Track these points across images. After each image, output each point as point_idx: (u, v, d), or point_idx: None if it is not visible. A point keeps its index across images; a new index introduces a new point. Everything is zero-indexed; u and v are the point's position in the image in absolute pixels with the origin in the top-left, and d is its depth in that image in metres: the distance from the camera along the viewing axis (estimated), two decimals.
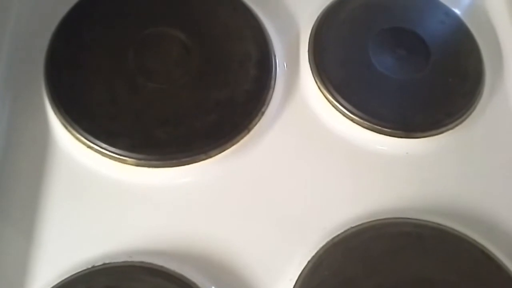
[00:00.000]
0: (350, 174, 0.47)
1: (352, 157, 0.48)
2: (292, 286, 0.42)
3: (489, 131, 0.51)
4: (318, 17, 0.54)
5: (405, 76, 0.51)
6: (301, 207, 0.46)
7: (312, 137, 0.49)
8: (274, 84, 0.50)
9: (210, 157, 0.46)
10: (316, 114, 0.50)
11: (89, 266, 0.40)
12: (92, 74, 0.48)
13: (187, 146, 0.45)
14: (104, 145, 0.44)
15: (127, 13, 0.51)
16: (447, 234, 0.44)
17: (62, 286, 0.39)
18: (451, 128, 0.49)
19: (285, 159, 0.47)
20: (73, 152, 0.45)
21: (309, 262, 0.42)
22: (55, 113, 0.46)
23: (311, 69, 0.51)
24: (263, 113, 0.48)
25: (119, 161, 0.44)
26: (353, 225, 0.44)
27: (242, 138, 0.47)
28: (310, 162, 0.48)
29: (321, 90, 0.50)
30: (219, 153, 0.46)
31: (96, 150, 0.44)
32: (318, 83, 0.50)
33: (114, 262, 0.41)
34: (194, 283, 0.40)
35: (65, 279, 0.40)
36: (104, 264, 0.41)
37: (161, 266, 0.41)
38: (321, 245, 0.43)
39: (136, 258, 0.41)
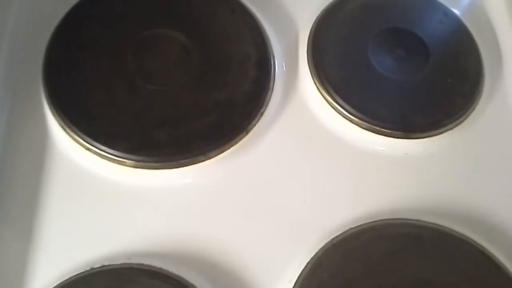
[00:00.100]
0: (349, 175, 0.47)
1: (351, 158, 0.48)
2: (292, 287, 0.41)
3: (488, 131, 0.50)
4: (317, 17, 0.54)
5: (404, 77, 0.51)
6: (300, 208, 0.45)
7: (311, 138, 0.49)
8: (273, 85, 0.50)
9: (209, 158, 0.46)
10: (315, 115, 0.50)
11: (88, 268, 0.40)
12: (91, 75, 0.48)
13: (186, 147, 0.45)
14: (102, 147, 0.44)
15: (126, 14, 0.51)
16: (446, 235, 0.44)
17: None
18: (451, 129, 0.49)
19: (284, 160, 0.47)
20: (71, 154, 0.45)
21: (308, 263, 0.42)
22: (54, 115, 0.46)
23: (310, 70, 0.51)
24: (262, 114, 0.48)
25: (117, 163, 0.44)
26: (352, 226, 0.44)
27: (241, 139, 0.47)
28: (309, 163, 0.47)
29: (320, 91, 0.50)
30: (218, 154, 0.46)
31: (94, 152, 0.44)
32: (317, 84, 0.50)
33: (113, 264, 0.41)
34: (193, 285, 0.40)
35: (64, 281, 0.40)
36: (103, 266, 0.41)
37: (160, 268, 0.41)
38: (320, 246, 0.43)
39: (135, 260, 0.41)
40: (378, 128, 0.48)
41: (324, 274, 0.42)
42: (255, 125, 0.48)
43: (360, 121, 0.48)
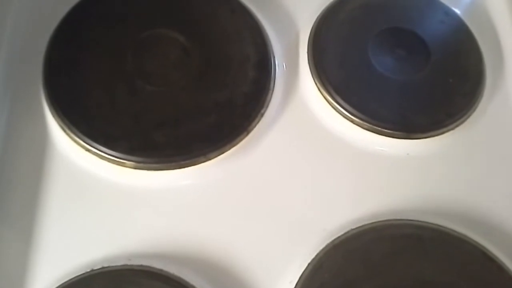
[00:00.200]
0: (350, 176, 0.47)
1: (352, 159, 0.48)
2: None
3: (490, 131, 0.50)
4: (317, 17, 0.54)
5: (405, 77, 0.51)
6: (301, 209, 0.45)
7: (312, 138, 0.48)
8: (274, 85, 0.50)
9: (209, 159, 0.45)
10: (316, 116, 0.50)
11: (88, 270, 0.40)
12: (91, 76, 0.48)
13: (186, 148, 0.45)
14: (102, 148, 0.44)
15: (126, 15, 0.51)
16: (448, 235, 0.44)
17: None
18: (452, 129, 0.49)
19: (285, 161, 0.47)
20: (71, 155, 0.45)
21: (309, 264, 0.42)
22: (53, 116, 0.46)
23: (310, 70, 0.51)
24: (262, 115, 0.48)
25: (117, 164, 0.44)
26: (353, 227, 0.44)
27: (241, 140, 0.47)
28: (310, 163, 0.47)
29: (320, 91, 0.50)
30: (218, 155, 0.46)
31: (94, 153, 0.44)
32: (318, 84, 0.50)
33: (113, 266, 0.40)
34: (194, 286, 0.40)
35: (64, 282, 0.40)
36: (103, 267, 0.40)
37: (160, 270, 0.41)
38: (321, 247, 0.43)
39: (135, 261, 0.41)
40: (379, 128, 0.48)
41: (325, 275, 0.42)
42: (255, 125, 0.47)
43: (360, 121, 0.48)
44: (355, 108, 0.49)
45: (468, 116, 0.50)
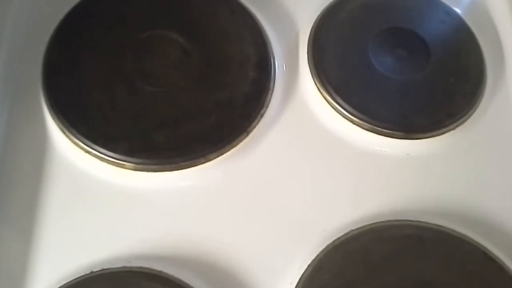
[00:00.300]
0: (350, 176, 0.47)
1: (352, 159, 0.48)
2: None
3: (491, 131, 0.50)
4: (317, 18, 0.53)
5: (405, 77, 0.51)
6: (301, 209, 0.45)
7: (312, 138, 0.48)
8: (273, 85, 0.50)
9: (209, 160, 0.45)
10: (316, 116, 0.49)
11: (88, 272, 0.40)
12: (91, 77, 0.48)
13: (186, 149, 0.45)
14: (102, 150, 0.44)
15: (126, 15, 0.51)
16: (448, 236, 0.44)
17: None
18: (453, 129, 0.49)
19: (285, 161, 0.47)
20: (71, 156, 0.45)
21: (309, 265, 0.42)
22: (53, 118, 0.46)
23: (310, 70, 0.51)
24: (262, 115, 0.48)
25: (117, 166, 0.44)
26: (353, 228, 0.44)
27: (241, 140, 0.47)
28: (310, 164, 0.47)
29: (320, 92, 0.50)
30: (218, 156, 0.46)
31: (94, 155, 0.44)
32: (318, 84, 0.50)
33: (113, 268, 0.40)
34: None
35: (64, 284, 0.39)
36: (102, 269, 0.40)
37: (160, 271, 0.41)
38: (321, 248, 0.43)
39: (135, 263, 0.41)
40: (379, 128, 0.48)
41: (325, 276, 0.42)
42: (255, 126, 0.47)
43: (361, 122, 0.48)
44: (355, 108, 0.49)
45: (469, 116, 0.50)
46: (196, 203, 0.45)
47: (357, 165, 0.48)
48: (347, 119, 0.49)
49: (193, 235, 0.43)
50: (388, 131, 0.48)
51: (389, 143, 0.48)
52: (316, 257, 0.42)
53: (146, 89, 0.47)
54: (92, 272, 0.40)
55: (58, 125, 0.45)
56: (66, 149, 0.45)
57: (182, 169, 0.45)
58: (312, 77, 0.50)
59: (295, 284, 0.41)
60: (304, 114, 0.50)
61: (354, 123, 0.48)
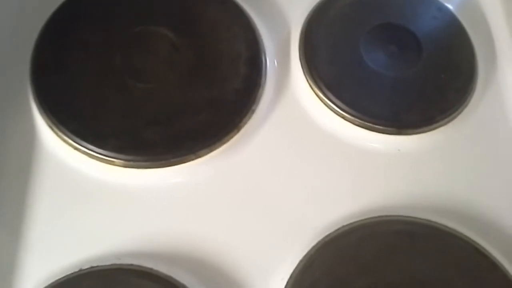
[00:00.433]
0: (342, 172, 0.47)
1: (344, 155, 0.48)
2: (284, 286, 0.41)
3: (482, 126, 0.50)
4: (308, 14, 0.53)
5: (397, 73, 0.51)
6: (292, 206, 0.45)
7: (303, 135, 0.48)
8: (265, 82, 0.50)
9: (200, 157, 0.45)
10: (307, 112, 0.49)
11: (77, 269, 0.40)
12: (79, 74, 0.47)
13: (176, 146, 0.45)
14: (91, 147, 0.44)
15: (114, 12, 0.51)
16: (439, 231, 0.44)
17: None
18: (444, 125, 0.49)
19: (276, 158, 0.47)
20: (60, 153, 0.45)
21: (300, 261, 0.42)
22: (41, 114, 0.45)
23: (302, 67, 0.50)
24: (253, 112, 0.48)
25: (106, 163, 0.44)
26: (345, 224, 0.44)
27: (232, 137, 0.46)
28: (301, 160, 0.47)
29: (312, 88, 0.49)
30: (209, 152, 0.45)
31: (83, 152, 0.44)
32: (309, 80, 0.50)
33: (102, 265, 0.40)
34: (184, 285, 0.40)
35: (52, 282, 0.39)
36: (91, 267, 0.40)
37: (150, 269, 0.40)
38: (312, 244, 0.43)
39: (125, 261, 0.41)
40: (370, 124, 0.48)
41: (317, 273, 0.41)
42: (246, 122, 0.47)
43: (352, 118, 0.48)
44: (346, 104, 0.48)
45: (460, 112, 0.50)
46: (186, 200, 0.44)
47: (348, 161, 0.47)
48: (338, 115, 0.48)
49: (183, 232, 0.43)
50: (379, 127, 0.48)
51: (380, 139, 0.48)
52: (307, 253, 0.42)
53: (135, 85, 0.47)
54: (81, 270, 0.40)
55: (46, 122, 0.45)
56: (55, 146, 0.45)
57: (172, 165, 0.45)
58: (304, 73, 0.50)
59: (286, 280, 0.41)
60: (295, 110, 0.49)
61: (345, 119, 0.48)
